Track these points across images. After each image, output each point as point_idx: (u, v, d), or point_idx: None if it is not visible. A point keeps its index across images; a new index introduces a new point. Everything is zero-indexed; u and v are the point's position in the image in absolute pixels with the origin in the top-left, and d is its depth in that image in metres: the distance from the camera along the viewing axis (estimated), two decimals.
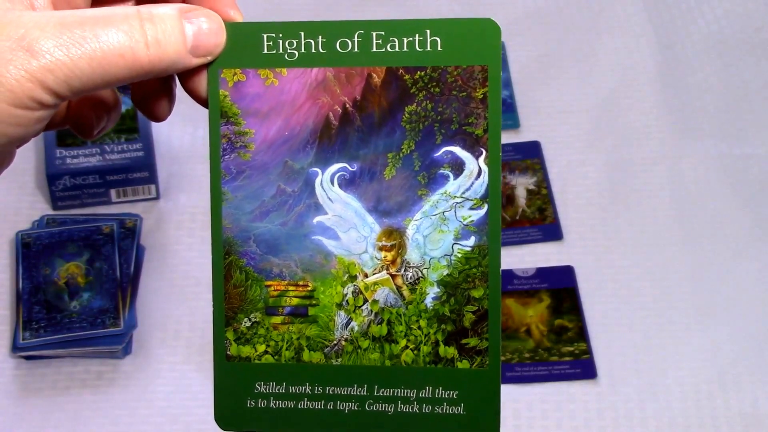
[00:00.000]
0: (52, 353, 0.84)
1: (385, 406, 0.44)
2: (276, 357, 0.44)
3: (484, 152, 0.43)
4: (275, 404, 0.44)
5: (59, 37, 0.37)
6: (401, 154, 0.43)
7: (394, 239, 0.44)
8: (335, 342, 0.44)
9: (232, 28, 0.42)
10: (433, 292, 0.44)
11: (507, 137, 1.00)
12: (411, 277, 0.44)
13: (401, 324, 0.44)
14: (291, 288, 0.44)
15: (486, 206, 0.43)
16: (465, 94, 0.43)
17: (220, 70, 0.43)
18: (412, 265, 0.44)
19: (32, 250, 0.88)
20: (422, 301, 0.44)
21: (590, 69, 1.05)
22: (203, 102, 0.43)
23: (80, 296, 0.85)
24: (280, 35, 0.43)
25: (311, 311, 0.44)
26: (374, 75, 0.43)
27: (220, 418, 0.45)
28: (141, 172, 0.93)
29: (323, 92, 0.43)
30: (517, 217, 0.94)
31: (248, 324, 0.45)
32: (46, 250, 0.88)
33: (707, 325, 0.87)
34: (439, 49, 0.42)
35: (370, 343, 0.44)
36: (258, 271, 0.44)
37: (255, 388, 0.45)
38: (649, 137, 1.00)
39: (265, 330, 0.45)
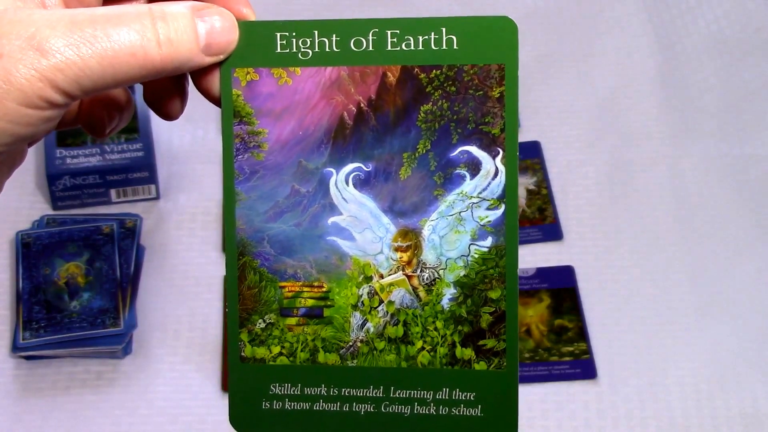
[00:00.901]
0: (52, 353, 0.84)
1: (401, 408, 0.43)
2: (291, 358, 0.44)
3: (501, 152, 0.42)
4: (290, 406, 0.44)
5: (70, 36, 0.37)
6: (417, 154, 0.43)
7: (410, 240, 0.43)
8: (351, 343, 0.44)
9: (245, 26, 0.42)
10: (449, 293, 0.43)
11: None
12: (427, 278, 0.43)
13: (417, 325, 0.43)
14: (306, 289, 0.44)
15: (503, 206, 0.43)
16: (481, 93, 0.42)
17: (233, 69, 0.42)
18: (428, 266, 0.43)
19: (32, 250, 0.88)
20: (439, 302, 0.43)
21: (590, 69, 1.05)
22: (216, 101, 0.43)
23: (80, 296, 0.85)
24: (294, 34, 0.42)
25: (326, 312, 0.44)
26: (389, 74, 0.42)
27: (234, 420, 0.44)
28: (141, 172, 0.93)
29: (337, 91, 0.43)
30: (518, 211, 0.94)
31: (263, 325, 0.44)
32: (46, 250, 0.88)
33: (707, 325, 0.87)
34: (455, 47, 0.42)
35: (386, 345, 0.43)
36: (272, 272, 0.44)
37: (270, 390, 0.44)
38: (649, 137, 1.00)
39: (279, 331, 0.44)
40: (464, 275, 0.43)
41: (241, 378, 0.44)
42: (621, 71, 1.05)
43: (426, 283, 0.43)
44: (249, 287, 0.44)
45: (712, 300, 0.89)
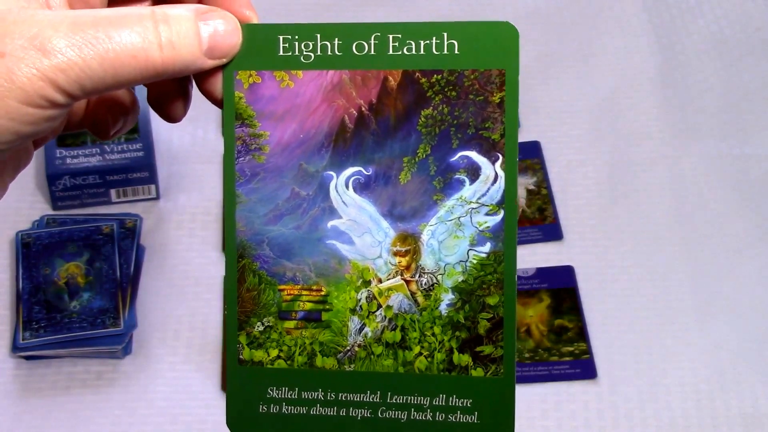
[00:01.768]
0: (52, 353, 0.84)
1: (398, 414, 0.43)
2: (289, 362, 0.44)
3: (501, 157, 0.42)
4: (287, 410, 0.44)
5: (72, 37, 0.37)
6: (417, 159, 0.43)
7: (409, 244, 0.43)
8: (348, 348, 0.44)
9: (248, 29, 0.42)
10: (447, 298, 0.43)
11: None
12: (425, 283, 0.43)
13: (415, 330, 0.43)
14: (304, 292, 0.44)
15: (502, 212, 0.43)
16: (482, 98, 0.42)
17: (236, 71, 0.43)
18: (426, 270, 0.43)
19: (32, 250, 0.88)
20: (437, 308, 0.43)
21: (590, 69, 1.05)
22: (218, 103, 0.43)
23: (80, 296, 0.85)
24: (296, 37, 0.42)
25: (324, 316, 0.44)
26: (390, 78, 0.42)
27: (232, 423, 0.44)
28: (141, 172, 0.93)
29: (339, 95, 0.43)
30: (517, 217, 0.94)
31: (261, 328, 0.44)
32: (46, 250, 0.88)
33: (707, 325, 0.87)
34: (456, 52, 0.42)
35: (383, 350, 0.43)
36: (271, 275, 0.44)
37: (267, 393, 0.44)
38: (649, 137, 1.00)
39: (278, 334, 0.44)
40: (462, 281, 0.43)
41: (239, 381, 0.44)
42: (621, 71, 1.05)
43: (424, 288, 0.43)
44: (248, 290, 0.44)
45: (712, 300, 0.89)
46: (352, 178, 0.43)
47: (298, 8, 1.09)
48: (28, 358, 0.84)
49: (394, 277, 0.43)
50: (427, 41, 0.42)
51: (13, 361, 0.85)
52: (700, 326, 0.87)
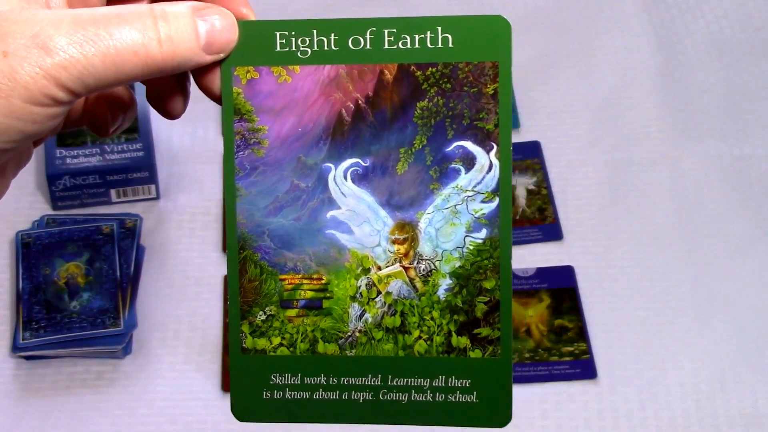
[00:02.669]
0: (52, 353, 0.84)
1: (399, 396, 0.45)
2: (291, 349, 0.45)
3: (495, 146, 0.44)
4: (291, 395, 0.45)
5: (73, 35, 0.37)
6: (413, 149, 0.44)
7: (407, 232, 0.44)
8: (349, 333, 0.45)
9: (245, 26, 0.43)
10: (445, 283, 0.44)
11: None
12: (424, 270, 0.45)
13: (414, 315, 0.45)
14: (305, 281, 0.45)
15: (497, 199, 0.44)
16: (476, 89, 0.43)
17: (234, 67, 0.43)
18: (424, 257, 0.44)
19: (32, 250, 0.88)
20: (435, 293, 0.44)
21: (590, 69, 1.05)
22: (217, 99, 0.44)
23: (80, 296, 0.85)
24: (293, 33, 0.44)
25: (326, 304, 0.45)
26: (386, 72, 0.44)
27: (236, 410, 0.45)
28: (141, 172, 0.93)
29: (336, 89, 0.44)
30: (517, 217, 0.94)
31: (263, 317, 0.45)
32: (46, 250, 0.88)
33: (707, 325, 0.87)
34: (450, 45, 0.43)
35: (383, 334, 0.45)
36: (272, 265, 0.45)
37: (271, 380, 0.45)
38: (649, 137, 1.00)
39: (280, 323, 0.45)
40: (459, 266, 0.44)
41: (242, 369, 0.45)
42: (621, 71, 1.05)
43: (422, 275, 0.45)
44: (250, 280, 0.45)
45: (712, 300, 0.89)
46: (351, 170, 0.44)
47: (298, 8, 1.09)
48: (28, 358, 0.84)
49: (392, 264, 0.45)
50: (422, 35, 0.43)
51: (13, 361, 0.85)
52: (700, 326, 0.87)
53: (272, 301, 0.45)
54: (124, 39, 0.38)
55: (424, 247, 0.44)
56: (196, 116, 0.99)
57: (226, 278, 0.87)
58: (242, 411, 0.45)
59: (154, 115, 0.91)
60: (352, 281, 0.45)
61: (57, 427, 0.81)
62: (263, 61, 0.44)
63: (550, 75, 1.05)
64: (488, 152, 0.44)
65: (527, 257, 0.91)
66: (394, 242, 0.45)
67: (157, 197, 0.94)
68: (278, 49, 0.43)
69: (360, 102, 0.44)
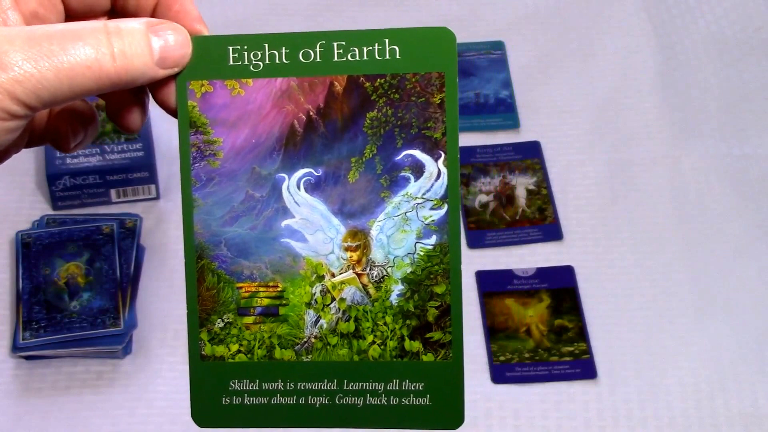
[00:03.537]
0: (52, 353, 0.84)
1: (354, 400, 0.46)
2: (249, 355, 0.46)
3: (443, 154, 0.45)
4: (249, 401, 0.46)
5: (28, 51, 0.38)
6: (364, 159, 0.45)
7: (359, 240, 0.46)
8: (305, 339, 0.46)
9: (198, 41, 0.44)
10: (397, 289, 0.46)
11: (507, 137, 1.00)
12: (376, 276, 0.46)
13: (368, 320, 0.46)
14: (262, 289, 0.46)
15: (446, 206, 0.45)
16: (423, 99, 0.45)
17: (188, 81, 0.45)
18: (376, 264, 0.46)
19: (32, 250, 0.88)
20: (387, 298, 0.46)
21: (590, 69, 1.05)
22: (173, 113, 0.45)
23: (80, 296, 0.85)
24: (245, 47, 0.45)
25: (282, 311, 0.46)
26: (336, 83, 0.45)
27: (196, 416, 0.46)
28: (141, 172, 0.93)
29: (288, 101, 0.45)
30: (517, 217, 0.94)
31: (221, 325, 0.46)
32: (46, 250, 0.88)
33: (707, 325, 0.87)
34: (398, 57, 0.44)
35: (338, 340, 0.46)
36: (229, 274, 0.46)
37: (229, 386, 0.46)
38: (649, 137, 1.00)
39: (237, 330, 0.46)
40: (411, 272, 0.45)
41: (201, 375, 0.46)
42: (621, 71, 1.05)
43: (375, 281, 0.46)
44: (207, 288, 0.46)
45: (712, 300, 0.89)
46: (303, 179, 0.46)
47: (299, 8, 1.09)
48: (28, 358, 0.84)
49: (346, 271, 0.46)
50: (370, 47, 0.44)
51: (13, 361, 0.85)
52: (700, 326, 0.87)
53: (230, 309, 0.46)
54: (77, 54, 0.39)
55: (377, 254, 0.46)
56: None
57: None
58: (202, 417, 0.46)
59: (154, 116, 0.91)
60: (307, 288, 0.46)
61: (57, 427, 0.81)
62: (217, 75, 0.45)
63: (550, 75, 1.05)
64: (436, 160, 0.45)
65: (527, 257, 0.91)
66: (347, 249, 0.46)
67: (157, 197, 0.94)
68: (231, 63, 0.45)
69: (311, 113, 0.45)
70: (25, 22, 0.43)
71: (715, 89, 1.03)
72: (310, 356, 0.46)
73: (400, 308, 0.45)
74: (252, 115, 0.45)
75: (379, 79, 0.45)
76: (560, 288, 0.89)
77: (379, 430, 0.47)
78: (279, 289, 0.46)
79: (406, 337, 0.45)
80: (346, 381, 0.46)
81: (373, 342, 0.46)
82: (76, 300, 0.85)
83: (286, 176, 0.45)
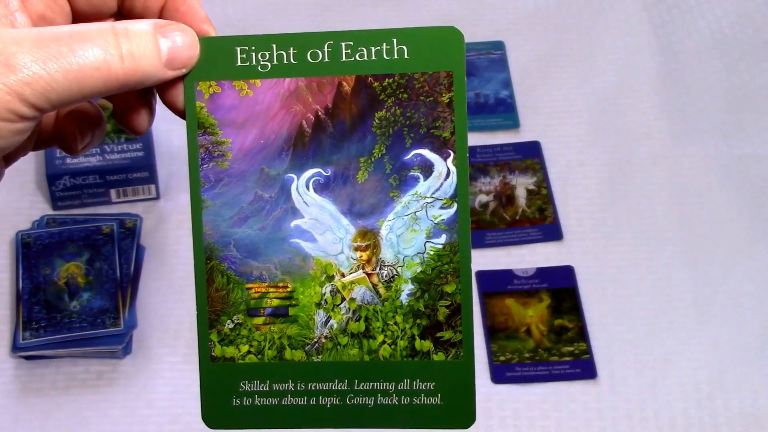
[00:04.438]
0: (52, 353, 0.84)
1: (365, 400, 0.46)
2: (259, 356, 0.46)
3: (452, 154, 0.45)
4: (260, 402, 0.46)
5: (36, 52, 0.38)
6: (373, 158, 0.45)
7: (369, 239, 0.46)
8: (315, 340, 0.46)
9: (206, 42, 0.44)
10: (407, 288, 0.46)
11: (507, 137, 1.00)
12: (386, 275, 0.46)
13: (378, 320, 0.46)
14: (271, 289, 0.46)
15: (455, 205, 0.45)
16: (432, 99, 0.45)
17: (196, 82, 0.45)
18: (386, 263, 0.46)
19: (32, 250, 0.88)
20: (398, 298, 0.46)
21: (590, 69, 1.05)
22: (181, 114, 0.45)
23: (80, 296, 0.85)
24: (253, 48, 0.45)
25: (291, 311, 0.46)
26: (344, 83, 0.45)
27: (207, 418, 0.46)
28: (141, 172, 0.93)
29: (296, 101, 0.45)
30: (517, 217, 0.94)
31: (231, 326, 0.46)
32: (46, 250, 0.88)
33: (707, 325, 0.87)
34: (406, 56, 0.44)
35: (349, 340, 0.46)
36: (239, 275, 0.46)
37: (240, 387, 0.46)
38: (649, 137, 1.00)
39: (247, 331, 0.46)
40: (421, 271, 0.45)
41: (212, 377, 0.46)
42: (621, 71, 1.05)
43: (385, 280, 0.46)
44: (217, 290, 0.46)
45: (712, 300, 0.89)
46: (312, 180, 0.46)
47: (299, 8, 1.09)
48: (28, 358, 0.84)
49: (356, 271, 0.46)
50: (378, 47, 0.44)
51: (13, 361, 0.85)
52: (700, 326, 0.87)
53: (239, 310, 0.46)
54: (86, 55, 0.39)
55: (386, 254, 0.46)
56: None
57: None
58: (213, 418, 0.46)
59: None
60: (317, 288, 0.46)
61: (57, 427, 0.81)
62: (225, 76, 0.45)
63: (550, 75, 1.05)
64: (445, 159, 0.45)
65: (527, 257, 0.91)
66: (356, 249, 0.46)
67: (157, 197, 0.94)
68: (239, 63, 0.45)
69: (320, 113, 0.45)
70: (32, 24, 0.43)
71: (715, 89, 1.03)
72: (320, 356, 0.46)
73: (411, 308, 0.45)
74: (260, 115, 0.45)
75: (387, 79, 0.45)
76: (560, 288, 0.89)
77: (391, 430, 0.47)
78: (289, 289, 0.46)
79: (417, 337, 0.45)
80: (356, 381, 0.46)
81: (384, 342, 0.46)
82: (76, 300, 0.85)
83: (294, 176, 0.45)
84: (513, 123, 1.01)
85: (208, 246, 0.46)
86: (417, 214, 0.45)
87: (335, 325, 0.46)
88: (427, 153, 0.45)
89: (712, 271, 0.91)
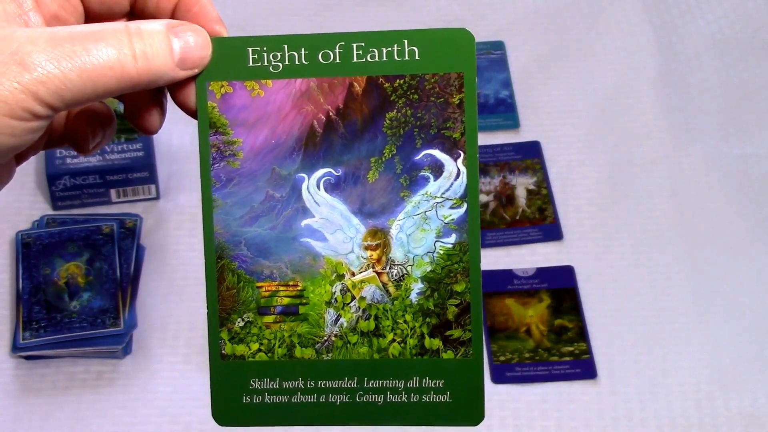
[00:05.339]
0: (52, 353, 0.84)
1: (374, 397, 0.46)
2: (269, 354, 0.46)
3: (462, 154, 0.45)
4: (270, 399, 0.46)
5: (51, 51, 0.39)
6: (383, 159, 0.46)
7: (379, 239, 0.46)
8: (325, 338, 0.46)
9: (218, 42, 0.44)
10: (417, 287, 0.46)
11: (507, 137, 1.00)
12: (396, 274, 0.46)
13: (388, 319, 0.46)
14: (282, 288, 0.47)
15: (465, 205, 0.45)
16: (442, 99, 0.45)
17: (208, 82, 0.45)
18: (396, 262, 0.46)
19: (32, 250, 0.88)
20: (407, 297, 0.46)
21: (590, 69, 1.05)
22: (192, 113, 0.46)
23: (80, 296, 0.85)
24: (265, 48, 0.45)
25: (302, 310, 0.46)
26: (355, 84, 0.45)
27: (217, 415, 0.47)
28: (141, 172, 0.93)
29: (307, 101, 0.45)
30: (517, 217, 0.94)
31: (241, 324, 0.47)
32: (46, 250, 0.88)
33: (707, 325, 0.87)
34: (417, 58, 0.45)
35: (358, 338, 0.46)
36: (249, 274, 0.47)
37: (250, 385, 0.46)
38: (649, 137, 1.00)
39: (258, 329, 0.47)
40: (431, 270, 0.46)
41: (222, 375, 0.47)
42: (621, 71, 1.05)
43: (395, 279, 0.46)
44: (228, 288, 0.47)
45: (712, 300, 0.89)
46: (323, 179, 0.46)
47: (299, 8, 1.09)
48: (28, 358, 0.84)
49: (366, 270, 0.46)
50: (389, 48, 0.45)
51: (13, 361, 0.85)
52: (700, 326, 0.87)
53: (250, 308, 0.47)
54: (99, 55, 0.39)
55: (396, 253, 0.46)
56: None
57: None
58: (223, 416, 0.47)
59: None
60: (327, 287, 0.46)
61: (57, 427, 0.81)
62: (236, 76, 0.45)
63: (550, 75, 1.05)
64: (455, 160, 0.45)
65: (527, 257, 0.91)
66: (366, 248, 0.46)
67: (157, 197, 0.95)
68: (251, 64, 0.45)
69: (331, 114, 0.46)
70: (45, 23, 0.43)
71: (715, 89, 1.03)
72: (330, 355, 0.46)
73: (420, 306, 0.46)
74: (272, 115, 0.45)
75: (398, 80, 0.45)
76: (560, 288, 0.89)
77: (400, 428, 0.47)
78: (299, 288, 0.46)
79: (426, 335, 0.46)
80: (366, 379, 0.46)
81: (394, 340, 0.46)
82: (76, 300, 0.85)
83: (305, 176, 0.46)
84: (513, 123, 1.01)
85: (219, 245, 0.47)
86: (427, 213, 0.46)
87: (345, 324, 0.46)
88: (437, 153, 0.45)
89: (712, 271, 0.91)
